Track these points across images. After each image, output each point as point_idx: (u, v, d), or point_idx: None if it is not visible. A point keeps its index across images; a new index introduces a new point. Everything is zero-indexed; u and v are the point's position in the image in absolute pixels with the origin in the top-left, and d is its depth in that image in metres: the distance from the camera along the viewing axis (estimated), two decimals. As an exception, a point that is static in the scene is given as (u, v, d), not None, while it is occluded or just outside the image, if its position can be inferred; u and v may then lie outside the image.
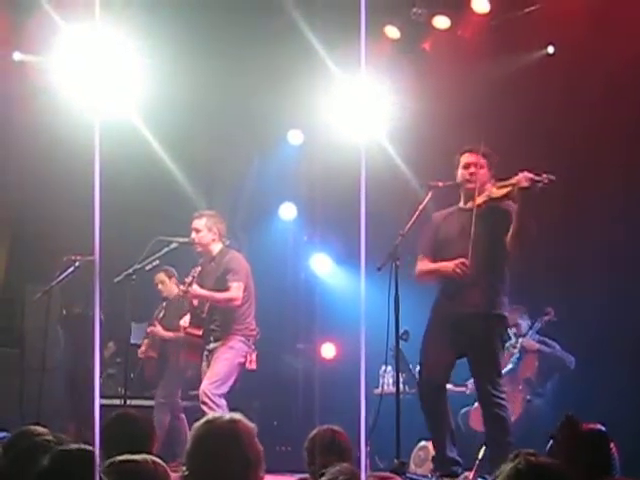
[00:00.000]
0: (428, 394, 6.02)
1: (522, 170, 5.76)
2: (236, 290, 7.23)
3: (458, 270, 5.80)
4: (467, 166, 6.05)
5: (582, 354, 8.29)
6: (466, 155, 6.09)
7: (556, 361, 8.36)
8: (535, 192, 5.64)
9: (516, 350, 8.36)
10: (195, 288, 7.25)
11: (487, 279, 5.91)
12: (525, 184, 5.64)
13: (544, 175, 5.60)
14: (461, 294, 5.93)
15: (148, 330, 8.72)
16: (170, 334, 8.45)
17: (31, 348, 9.06)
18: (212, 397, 7.05)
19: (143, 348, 8.70)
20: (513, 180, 5.77)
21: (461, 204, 6.16)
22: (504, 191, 5.84)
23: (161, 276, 8.63)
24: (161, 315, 8.71)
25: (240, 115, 10.38)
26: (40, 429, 3.74)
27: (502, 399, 5.86)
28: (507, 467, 2.69)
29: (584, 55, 8.33)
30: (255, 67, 10.16)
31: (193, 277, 7.28)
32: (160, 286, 8.65)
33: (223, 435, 3.10)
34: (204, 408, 6.95)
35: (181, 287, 7.40)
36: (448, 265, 5.86)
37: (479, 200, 5.91)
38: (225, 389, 7.17)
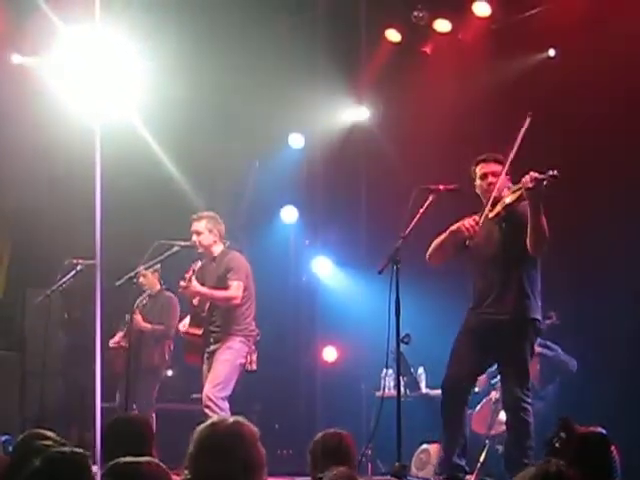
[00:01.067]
0: (451, 398, 6.02)
1: (529, 170, 5.77)
2: (236, 289, 7.22)
3: (466, 224, 5.86)
4: (484, 176, 6.05)
5: (584, 358, 8.29)
6: (481, 165, 6.09)
7: (558, 364, 8.35)
8: (542, 191, 5.62)
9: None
10: (195, 285, 7.21)
11: (517, 283, 5.90)
12: (530, 185, 5.63)
13: (548, 172, 5.59)
14: (492, 299, 5.93)
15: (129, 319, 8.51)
16: (148, 326, 8.37)
17: (32, 351, 9.08)
18: (215, 400, 7.01)
19: (117, 338, 8.47)
20: (521, 183, 5.77)
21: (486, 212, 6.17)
22: (515, 195, 5.84)
23: (143, 270, 8.54)
24: (142, 304, 8.53)
25: (241, 118, 10.39)
26: (48, 433, 3.75)
27: (528, 404, 5.84)
28: (534, 468, 2.66)
29: (585, 58, 8.33)
30: (256, 69, 10.19)
31: (193, 270, 7.22)
32: (142, 279, 8.44)
33: (226, 438, 3.10)
34: (207, 412, 6.92)
35: (181, 282, 7.31)
36: (457, 224, 5.94)
37: (498, 208, 5.95)
38: (228, 391, 7.13)
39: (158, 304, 8.52)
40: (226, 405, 7.07)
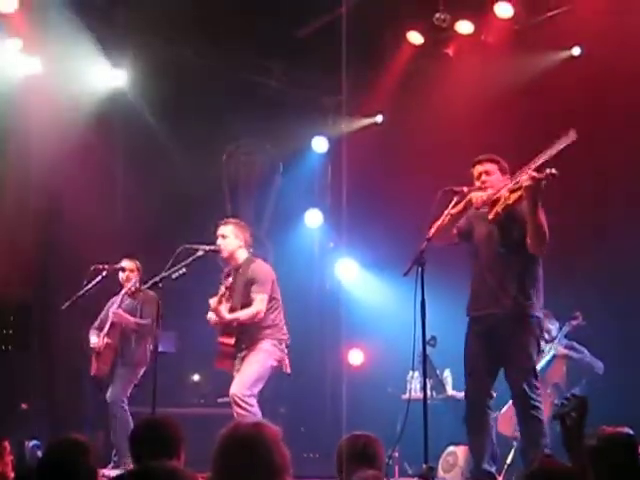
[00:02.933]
0: (474, 409, 6.01)
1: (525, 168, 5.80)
2: (259, 303, 7.18)
3: (478, 194, 5.93)
4: (478, 177, 6.11)
5: (610, 358, 8.24)
6: (476, 167, 6.14)
7: (584, 367, 8.32)
8: (541, 190, 5.62)
9: (545, 355, 8.30)
10: (223, 313, 7.16)
11: (516, 283, 5.90)
12: (527, 183, 5.64)
13: (547, 171, 5.59)
14: (491, 298, 5.94)
15: (113, 313, 8.24)
16: (131, 319, 8.22)
17: (61, 355, 9.13)
18: (243, 398, 6.95)
19: (103, 340, 8.24)
20: (519, 182, 5.78)
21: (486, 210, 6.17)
22: (517, 195, 5.85)
23: (133, 265, 8.43)
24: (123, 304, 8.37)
25: (265, 122, 10.43)
26: (78, 437, 3.76)
27: (538, 401, 5.83)
28: (523, 472, 2.71)
29: (610, 57, 8.29)
30: (278, 72, 10.24)
31: (225, 293, 7.15)
32: (128, 274, 8.38)
33: (247, 439, 3.10)
34: (238, 411, 6.90)
35: (210, 301, 7.26)
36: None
37: (497, 209, 5.95)
38: (255, 390, 7.08)
39: (139, 301, 8.34)
40: (254, 402, 7.01)
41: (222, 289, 7.16)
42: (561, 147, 5.65)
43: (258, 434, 3.11)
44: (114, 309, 8.28)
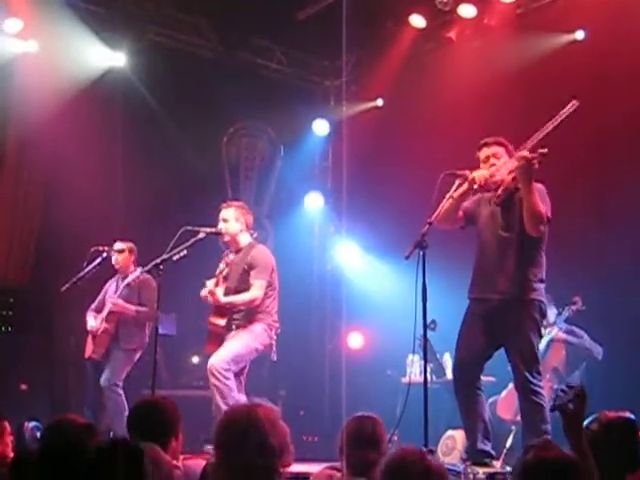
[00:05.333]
0: (462, 384, 6.01)
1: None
2: (257, 289, 7.17)
3: (479, 172, 5.87)
4: (486, 159, 6.06)
5: (610, 343, 8.24)
6: (483, 150, 6.09)
7: (584, 351, 8.32)
8: (532, 170, 5.60)
9: (544, 340, 8.30)
10: (218, 296, 7.15)
11: (515, 265, 5.88)
12: (519, 163, 5.65)
13: (538, 151, 5.58)
14: (491, 281, 5.93)
15: (112, 303, 8.17)
16: (132, 307, 8.18)
17: (60, 339, 9.12)
18: (220, 371, 6.92)
19: (101, 325, 8.18)
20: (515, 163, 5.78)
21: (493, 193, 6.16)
22: (512, 176, 5.85)
23: (126, 247, 8.33)
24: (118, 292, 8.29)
25: (266, 104, 10.42)
26: (77, 418, 3.75)
27: (539, 387, 5.82)
28: (519, 461, 2.71)
29: (614, 41, 8.25)
30: (279, 55, 10.19)
31: (220, 276, 7.15)
32: (119, 256, 8.30)
33: (240, 423, 3.11)
34: (212, 381, 6.89)
35: (208, 283, 7.25)
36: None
37: (499, 192, 5.95)
38: (234, 367, 7.04)
39: (136, 287, 8.25)
40: (231, 377, 6.96)
41: (221, 267, 7.15)
42: (562, 117, 5.65)
43: (250, 417, 3.11)
44: (112, 298, 8.22)
